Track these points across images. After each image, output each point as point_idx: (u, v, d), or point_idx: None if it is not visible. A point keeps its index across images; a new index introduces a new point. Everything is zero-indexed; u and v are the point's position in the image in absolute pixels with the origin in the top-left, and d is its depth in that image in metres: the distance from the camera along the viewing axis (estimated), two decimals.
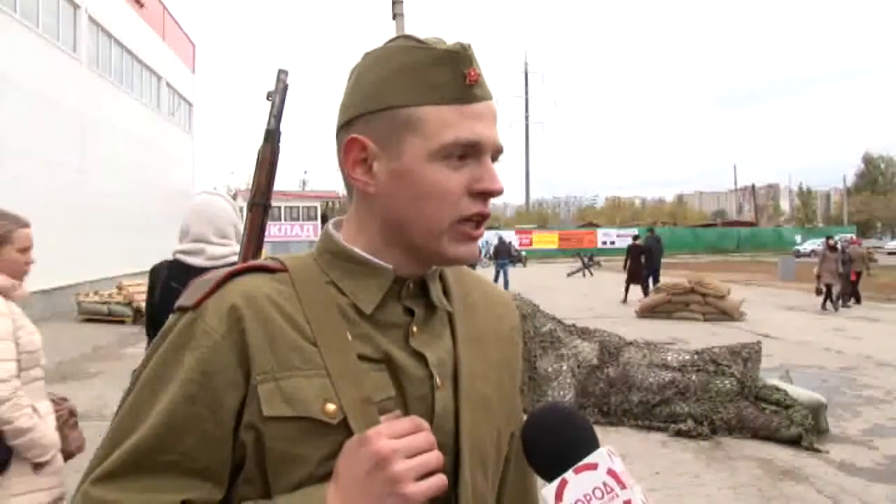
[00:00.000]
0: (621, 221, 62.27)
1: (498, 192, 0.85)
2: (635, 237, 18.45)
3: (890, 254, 35.97)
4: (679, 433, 5.82)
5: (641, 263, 16.57)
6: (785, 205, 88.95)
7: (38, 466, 2.37)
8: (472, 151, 0.83)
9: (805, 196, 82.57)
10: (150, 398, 0.80)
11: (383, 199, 0.85)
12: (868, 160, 77.37)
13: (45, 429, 2.32)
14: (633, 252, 16.84)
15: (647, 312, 14.03)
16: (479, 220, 0.85)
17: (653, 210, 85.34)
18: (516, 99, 77.28)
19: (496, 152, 0.86)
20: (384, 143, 0.84)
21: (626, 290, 16.64)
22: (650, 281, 16.40)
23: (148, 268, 4.19)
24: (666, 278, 16.87)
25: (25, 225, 2.58)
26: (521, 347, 1.04)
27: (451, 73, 0.82)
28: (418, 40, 0.85)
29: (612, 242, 44.15)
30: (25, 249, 2.50)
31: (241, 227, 3.00)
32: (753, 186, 73.06)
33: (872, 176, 76.27)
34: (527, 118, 75.57)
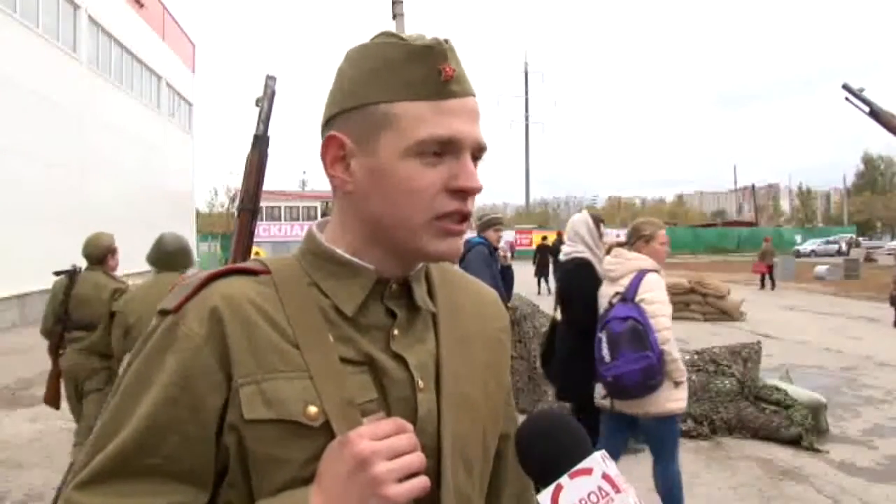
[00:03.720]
0: (621, 221, 62.23)
1: (475, 191, 0.83)
2: (544, 238, 22.01)
3: (889, 253, 35.97)
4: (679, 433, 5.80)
5: (549, 261, 19.27)
6: (785, 205, 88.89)
7: (677, 384, 3.45)
8: (449, 148, 0.82)
9: (805, 196, 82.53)
10: (131, 402, 0.80)
11: (361, 197, 0.85)
12: (867, 160, 77.36)
13: (680, 362, 3.48)
14: (541, 252, 19.97)
15: None
16: (460, 217, 0.84)
17: (653, 210, 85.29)
18: (516, 99, 77.24)
19: (477, 150, 0.85)
20: (361, 141, 0.83)
21: (538, 283, 19.68)
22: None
23: (147, 268, 4.21)
24: (666, 278, 16.89)
25: (662, 227, 3.84)
26: (509, 348, 1.03)
27: (426, 69, 0.81)
28: (397, 36, 0.84)
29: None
30: (664, 243, 3.76)
31: (588, 236, 4.01)
32: (753, 186, 73.04)
33: (872, 176, 76.27)
34: (527, 118, 75.53)
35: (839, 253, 38.54)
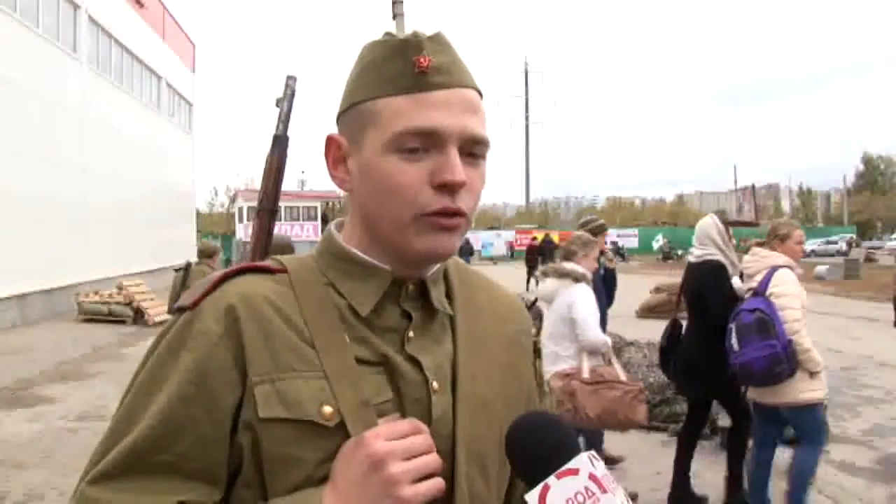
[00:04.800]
0: (621, 221, 62.21)
1: (458, 184, 0.80)
2: (533, 238, 25.27)
3: (889, 254, 35.97)
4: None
5: (537, 260, 20.95)
6: (785, 205, 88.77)
7: (812, 374, 3.68)
8: (432, 142, 0.80)
9: (805, 196, 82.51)
10: (146, 398, 0.80)
11: (357, 196, 0.86)
12: (867, 160, 77.28)
13: (815, 352, 3.65)
14: (530, 252, 22.25)
15: (648, 312, 14.01)
16: (446, 213, 0.81)
17: (653, 210, 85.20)
18: (516, 99, 77.32)
19: (469, 142, 0.82)
20: (352, 140, 0.85)
21: (528, 280, 21.15)
22: None
23: (147, 268, 4.32)
24: (666, 278, 16.89)
25: (797, 227, 4.03)
26: (531, 350, 1.02)
27: (402, 63, 0.81)
28: (388, 34, 0.85)
29: (613, 242, 44.21)
30: (801, 242, 3.94)
31: (718, 238, 4.32)
32: (753, 186, 72.90)
33: (872, 176, 76.20)
34: (527, 118, 75.60)
35: (839, 253, 38.48)
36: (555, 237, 25.59)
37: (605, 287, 5.08)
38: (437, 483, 0.76)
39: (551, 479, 0.74)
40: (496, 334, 0.94)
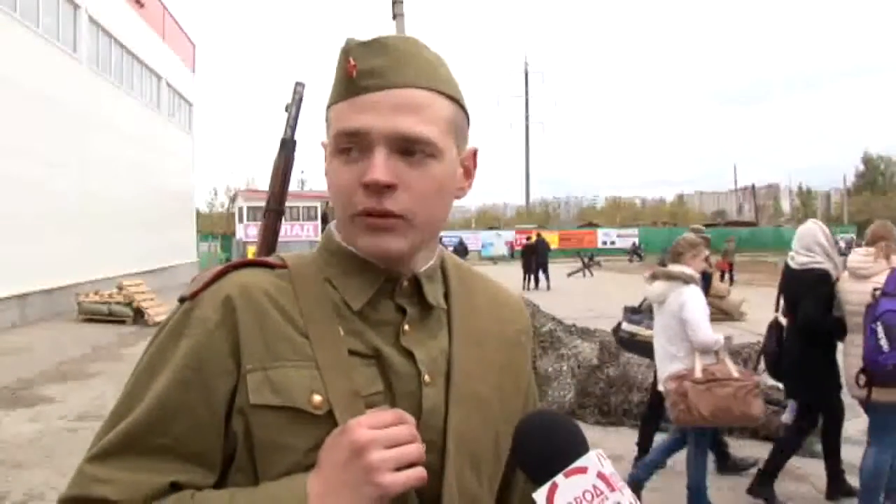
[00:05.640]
0: (621, 221, 62.17)
1: (375, 184, 0.81)
2: (528, 238, 26.06)
3: None
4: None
5: (532, 259, 22.40)
6: (785, 205, 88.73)
7: None
8: (359, 143, 0.83)
9: (805, 196, 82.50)
10: (146, 382, 0.83)
11: None
12: (867, 160, 77.33)
13: None
14: (526, 252, 23.20)
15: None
16: (373, 213, 0.83)
17: (653, 210, 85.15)
18: (516, 99, 77.34)
19: (400, 141, 0.82)
20: (327, 145, 0.90)
21: (525, 279, 22.07)
22: (540, 272, 22.07)
23: (147, 268, 4.28)
24: None
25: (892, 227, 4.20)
26: (530, 350, 1.04)
27: (341, 69, 0.85)
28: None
29: (613, 242, 44.16)
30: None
31: (826, 244, 4.25)
32: (753, 186, 73.01)
33: (872, 176, 76.26)
34: (527, 118, 75.61)
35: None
36: (554, 238, 25.71)
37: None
38: (418, 472, 0.77)
39: (559, 478, 0.74)
40: (495, 334, 0.96)
